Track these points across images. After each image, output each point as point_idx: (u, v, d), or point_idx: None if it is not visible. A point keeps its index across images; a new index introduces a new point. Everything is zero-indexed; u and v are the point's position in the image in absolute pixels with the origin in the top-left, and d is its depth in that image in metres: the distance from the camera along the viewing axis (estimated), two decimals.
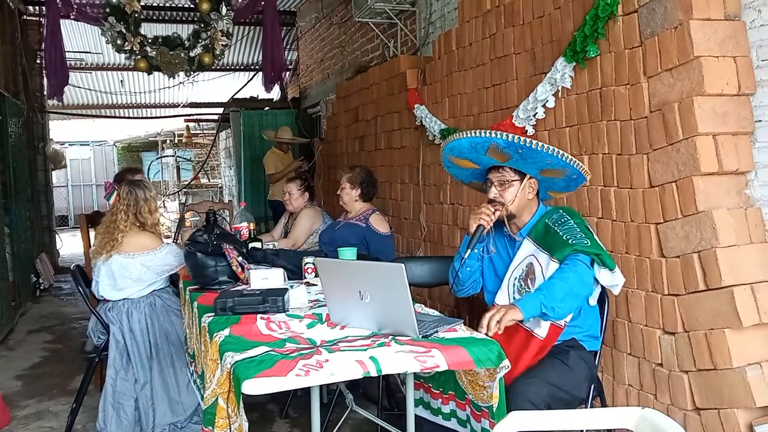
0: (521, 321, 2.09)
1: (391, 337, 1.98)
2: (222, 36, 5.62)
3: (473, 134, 2.28)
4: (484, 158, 2.36)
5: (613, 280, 2.22)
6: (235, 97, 9.36)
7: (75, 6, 5.66)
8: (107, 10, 5.47)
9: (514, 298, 2.33)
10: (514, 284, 2.35)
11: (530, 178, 2.37)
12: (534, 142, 2.20)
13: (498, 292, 2.41)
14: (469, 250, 2.39)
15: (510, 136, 2.21)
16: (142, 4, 5.67)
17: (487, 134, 2.25)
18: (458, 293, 2.59)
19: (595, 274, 2.21)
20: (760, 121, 2.36)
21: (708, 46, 2.32)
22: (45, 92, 7.77)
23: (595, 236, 2.28)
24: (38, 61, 8.08)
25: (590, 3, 2.75)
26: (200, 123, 13.14)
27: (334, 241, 3.74)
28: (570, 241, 2.19)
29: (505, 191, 2.37)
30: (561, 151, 2.23)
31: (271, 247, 3.55)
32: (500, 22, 3.50)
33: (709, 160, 2.31)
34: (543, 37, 3.14)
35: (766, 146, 2.34)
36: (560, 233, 2.24)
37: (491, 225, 2.38)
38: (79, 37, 9.27)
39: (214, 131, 11.79)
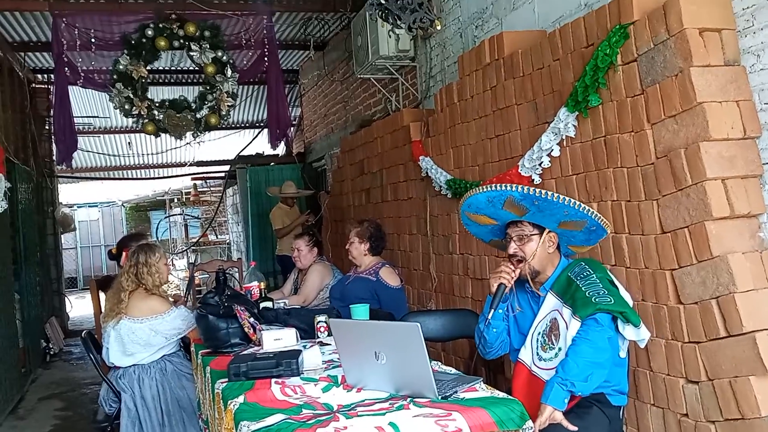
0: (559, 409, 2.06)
1: (409, 398, 1.94)
2: (227, 97, 5.72)
3: (489, 188, 2.28)
4: (501, 213, 2.35)
5: (638, 335, 2.20)
6: (241, 154, 9.48)
7: (82, 74, 5.78)
8: (115, 76, 5.59)
9: (537, 354, 2.29)
10: (537, 339, 2.32)
11: (549, 232, 2.36)
12: (550, 193, 2.20)
13: (521, 349, 2.37)
14: (492, 311, 2.35)
15: (525, 188, 2.21)
16: (149, 68, 5.79)
17: (503, 187, 2.25)
18: (487, 356, 2.53)
19: (621, 330, 2.18)
20: (767, 163, 2.36)
21: (710, 92, 2.34)
22: (54, 158, 7.89)
23: (620, 290, 2.25)
24: (47, 127, 8.23)
25: (589, 54, 2.79)
26: (207, 180, 13.28)
27: (345, 296, 3.71)
28: (593, 299, 2.16)
29: (525, 246, 2.35)
30: (578, 202, 2.22)
31: (282, 305, 3.54)
32: (500, 75, 3.56)
33: (720, 204, 2.30)
34: (544, 88, 3.18)
35: None
36: (583, 288, 2.22)
37: (512, 283, 2.36)
38: (87, 102, 9.47)
39: (221, 188, 11.90)
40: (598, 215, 2.26)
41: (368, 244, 3.81)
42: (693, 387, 2.40)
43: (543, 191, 2.21)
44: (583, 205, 2.23)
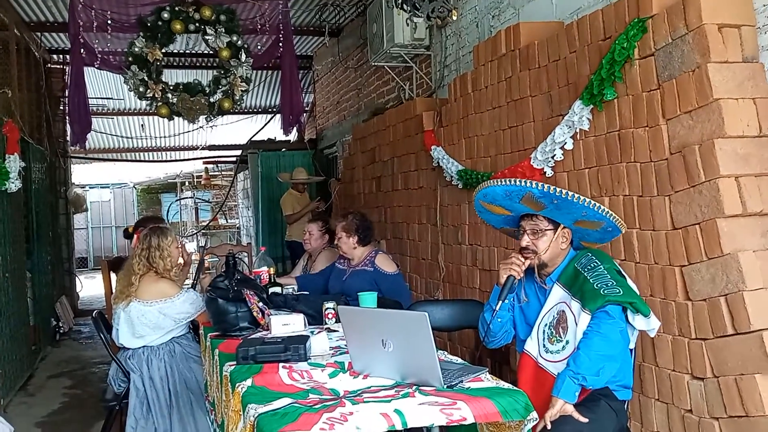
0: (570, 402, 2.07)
1: (415, 387, 1.96)
2: (241, 82, 5.72)
3: (508, 182, 2.27)
4: (517, 206, 2.35)
5: (648, 325, 2.20)
6: (253, 139, 9.50)
7: (98, 55, 5.80)
8: (130, 59, 5.60)
9: (543, 346, 2.29)
10: (544, 331, 2.32)
11: (564, 227, 2.36)
12: (570, 193, 2.19)
13: (527, 340, 2.37)
14: (500, 302, 2.35)
15: (545, 186, 2.19)
16: (164, 51, 5.80)
17: (522, 183, 2.23)
18: (489, 345, 2.54)
19: (631, 321, 2.18)
20: None
21: (727, 88, 2.33)
22: (68, 138, 7.94)
23: (628, 280, 2.25)
24: (61, 108, 8.28)
25: (606, 47, 2.77)
26: (219, 165, 13.32)
27: (345, 292, 3.69)
28: (602, 291, 2.16)
29: (539, 240, 2.35)
30: (598, 204, 2.21)
31: (290, 291, 3.55)
32: (515, 66, 3.54)
33: (732, 202, 2.29)
34: (559, 80, 3.16)
35: None
36: (591, 280, 2.22)
37: (522, 275, 2.36)
38: (101, 84, 9.51)
39: (233, 173, 11.94)
40: (616, 217, 2.26)
41: (356, 236, 3.74)
42: (698, 383, 2.40)
43: (563, 191, 2.19)
44: (602, 207, 2.22)
